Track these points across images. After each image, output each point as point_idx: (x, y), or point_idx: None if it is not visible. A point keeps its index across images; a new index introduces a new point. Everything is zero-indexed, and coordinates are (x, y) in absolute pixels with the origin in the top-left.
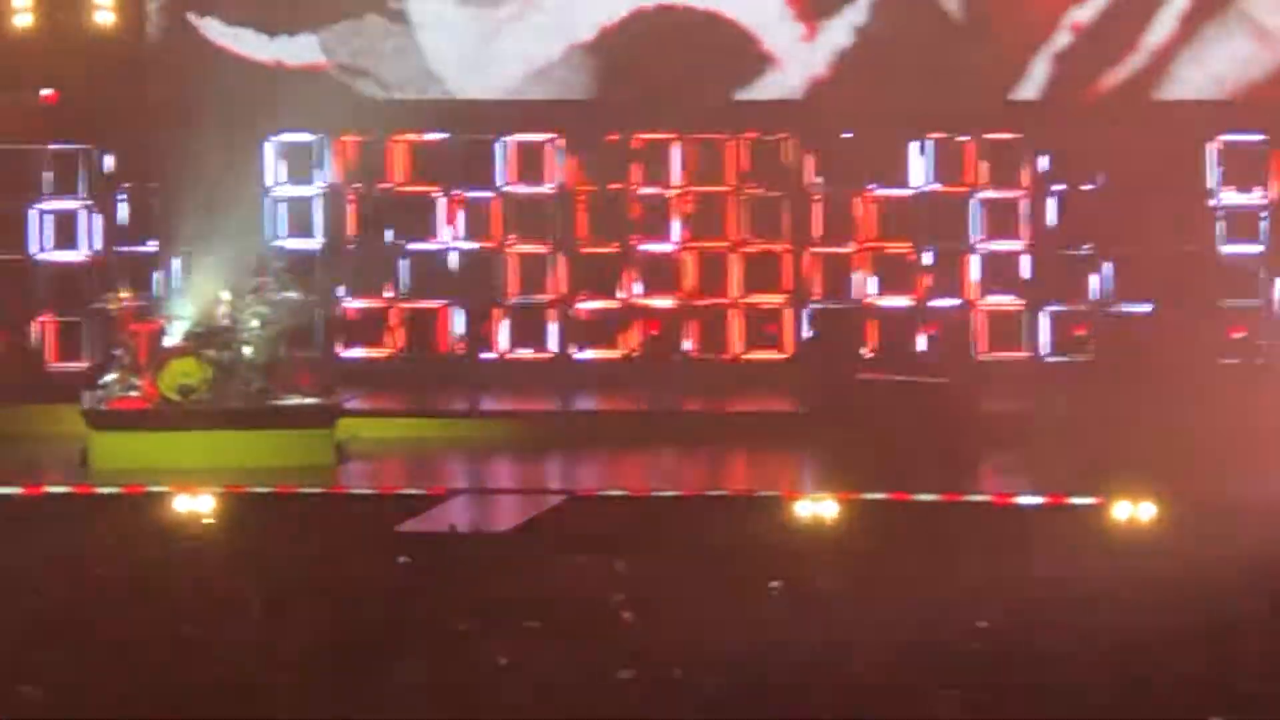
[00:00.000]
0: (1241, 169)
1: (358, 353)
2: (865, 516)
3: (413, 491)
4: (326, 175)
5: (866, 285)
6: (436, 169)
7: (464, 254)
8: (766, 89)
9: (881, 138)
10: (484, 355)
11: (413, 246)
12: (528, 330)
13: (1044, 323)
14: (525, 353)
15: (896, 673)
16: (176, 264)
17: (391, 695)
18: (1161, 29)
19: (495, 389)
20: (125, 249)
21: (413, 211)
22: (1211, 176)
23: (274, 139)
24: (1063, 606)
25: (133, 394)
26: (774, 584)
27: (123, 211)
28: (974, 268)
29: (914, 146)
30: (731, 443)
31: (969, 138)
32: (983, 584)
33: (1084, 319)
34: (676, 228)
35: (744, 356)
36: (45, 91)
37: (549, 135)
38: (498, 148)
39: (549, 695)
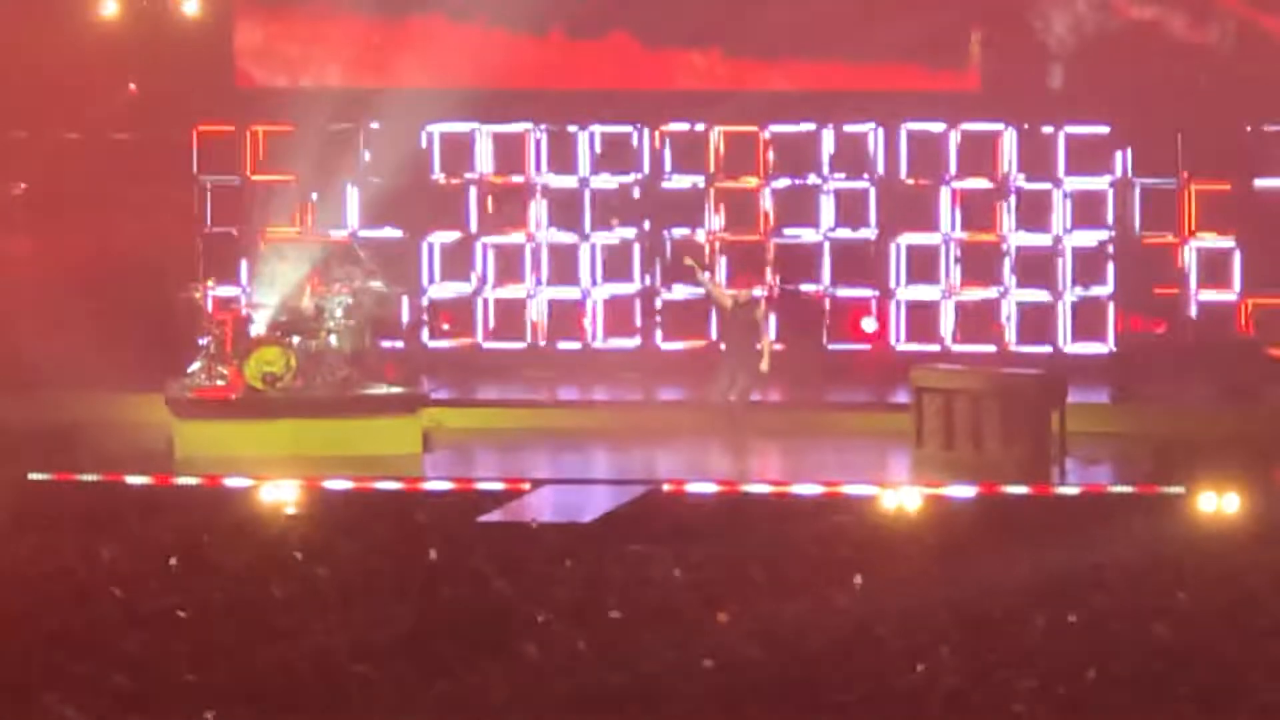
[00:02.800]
0: None
1: (444, 342)
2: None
3: (495, 483)
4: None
5: None
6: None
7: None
8: None
9: None
10: (569, 344)
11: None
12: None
13: None
14: (612, 342)
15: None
16: (263, 252)
17: (474, 684)
18: None
19: (584, 378)
20: (211, 235)
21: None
22: None
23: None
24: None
25: (218, 383)
26: (858, 578)
27: (208, 200)
28: None
29: None
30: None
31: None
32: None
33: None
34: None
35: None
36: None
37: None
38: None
39: (631, 683)
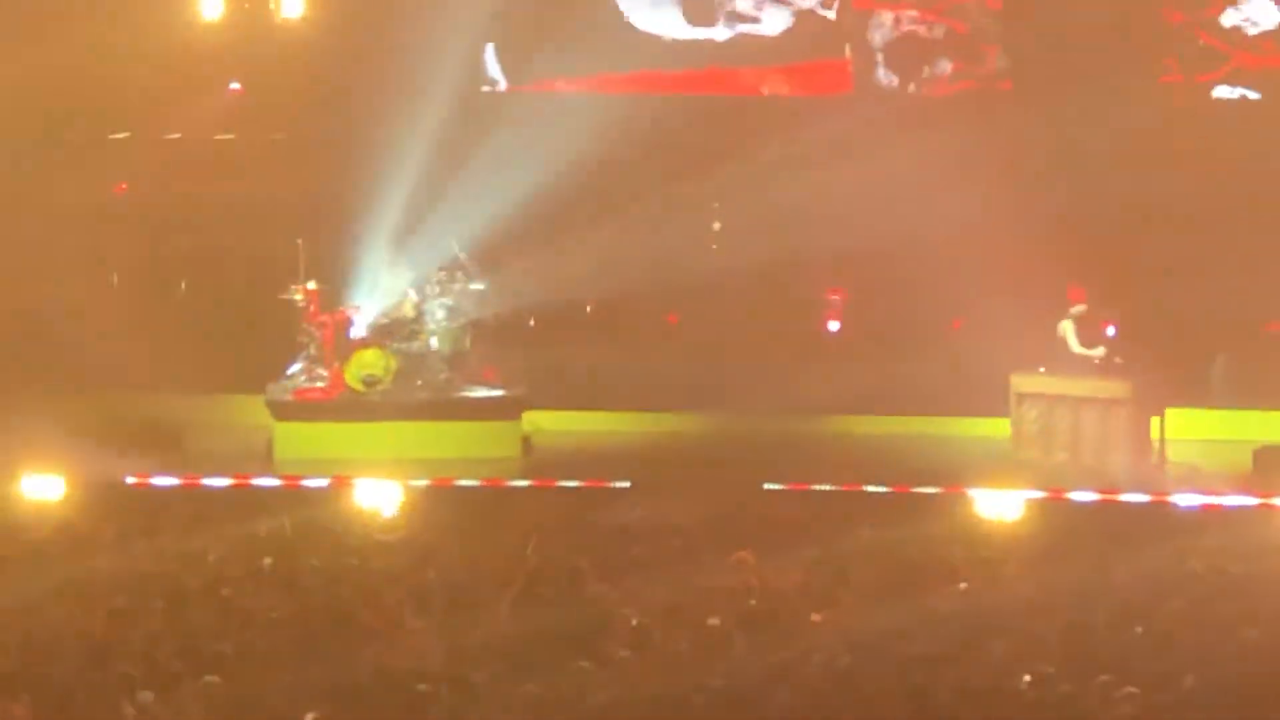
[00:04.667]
0: None
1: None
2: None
3: (597, 484)
4: None
5: None
6: None
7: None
8: None
9: None
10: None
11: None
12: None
13: None
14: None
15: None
16: (364, 255)
17: (566, 687)
18: None
19: (686, 383)
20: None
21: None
22: None
23: None
24: None
25: (318, 384)
26: (962, 584)
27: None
28: None
29: None
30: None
31: None
32: None
33: None
34: None
35: None
36: (234, 85)
37: None
38: None
39: (724, 687)
